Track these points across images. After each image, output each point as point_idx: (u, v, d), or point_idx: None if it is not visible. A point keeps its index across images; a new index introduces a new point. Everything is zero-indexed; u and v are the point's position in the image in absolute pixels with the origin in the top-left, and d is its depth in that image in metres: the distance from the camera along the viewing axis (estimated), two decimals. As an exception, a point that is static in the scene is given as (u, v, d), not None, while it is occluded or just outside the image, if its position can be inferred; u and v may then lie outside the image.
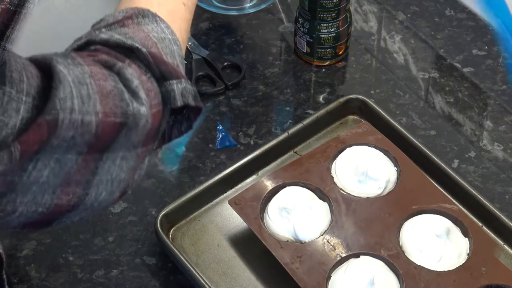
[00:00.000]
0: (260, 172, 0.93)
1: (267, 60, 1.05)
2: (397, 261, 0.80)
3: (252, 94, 1.01)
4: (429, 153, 0.91)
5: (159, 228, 0.85)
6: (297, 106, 1.00)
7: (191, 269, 0.82)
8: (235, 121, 0.98)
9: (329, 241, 0.82)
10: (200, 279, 0.82)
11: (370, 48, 1.07)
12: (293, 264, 0.80)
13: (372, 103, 0.95)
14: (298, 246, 0.82)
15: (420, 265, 0.80)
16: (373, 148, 0.89)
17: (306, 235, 0.82)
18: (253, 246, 0.84)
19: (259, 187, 0.86)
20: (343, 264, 0.80)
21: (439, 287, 0.79)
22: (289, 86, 1.02)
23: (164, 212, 0.86)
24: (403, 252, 0.81)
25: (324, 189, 0.86)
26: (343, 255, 0.81)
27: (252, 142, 0.96)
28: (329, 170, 0.88)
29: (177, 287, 0.85)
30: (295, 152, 0.94)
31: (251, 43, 1.07)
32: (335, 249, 0.81)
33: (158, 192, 0.92)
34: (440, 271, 0.80)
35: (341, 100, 0.96)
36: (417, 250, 0.81)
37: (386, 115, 0.94)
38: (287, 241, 0.82)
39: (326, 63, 1.04)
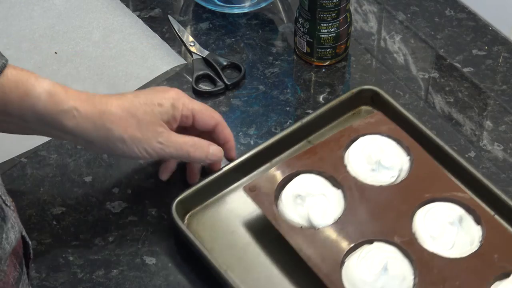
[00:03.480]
0: (273, 161, 0.94)
1: (267, 60, 1.05)
2: (410, 248, 0.81)
3: (252, 94, 1.01)
4: (441, 143, 0.92)
5: (175, 213, 0.86)
6: (297, 106, 1.00)
7: (206, 254, 0.83)
8: (235, 121, 0.98)
9: (343, 228, 0.83)
10: (215, 264, 0.82)
11: (370, 48, 1.07)
12: (308, 249, 0.81)
13: (384, 94, 0.96)
14: (312, 232, 0.83)
15: (433, 252, 0.81)
16: (386, 138, 0.90)
17: (320, 222, 0.83)
18: (268, 233, 0.85)
19: (273, 174, 0.87)
20: (356, 250, 0.82)
21: (451, 273, 0.80)
22: (289, 86, 1.02)
23: (179, 198, 0.87)
24: (416, 239, 0.82)
25: (338, 177, 0.87)
26: (357, 241, 0.82)
27: (252, 142, 0.96)
28: (342, 158, 0.89)
29: (177, 287, 0.85)
30: (309, 142, 0.95)
31: (251, 43, 1.07)
32: (349, 235, 0.82)
33: (158, 192, 0.92)
34: (452, 258, 0.81)
35: (354, 90, 0.97)
36: (429, 237, 0.82)
37: (398, 106, 0.95)
38: (301, 227, 0.83)
39: (326, 63, 1.04)
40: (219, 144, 0.89)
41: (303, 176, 0.87)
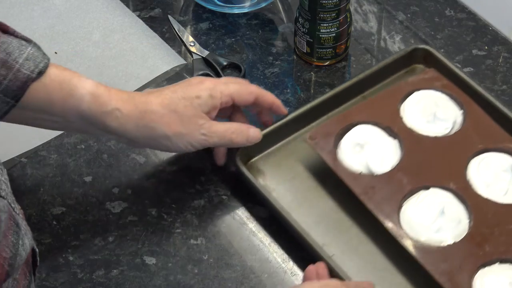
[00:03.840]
0: (329, 114, 0.97)
1: (267, 60, 1.05)
2: (465, 193, 0.85)
3: (252, 94, 1.01)
4: (493, 100, 0.94)
5: (238, 159, 0.90)
6: (297, 106, 1.00)
7: (268, 197, 0.87)
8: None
9: (400, 174, 0.87)
10: (277, 206, 0.87)
11: (370, 48, 1.07)
12: (367, 194, 0.85)
13: (437, 53, 0.99)
14: (371, 178, 0.87)
15: (487, 198, 0.85)
16: (439, 92, 0.94)
17: (378, 168, 0.87)
18: (328, 179, 0.90)
19: (332, 124, 0.92)
20: (413, 195, 0.86)
21: (505, 218, 0.84)
22: (289, 86, 1.02)
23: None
24: (470, 185, 0.86)
25: (394, 128, 0.91)
26: (414, 186, 0.86)
27: (252, 142, 0.96)
28: (398, 111, 0.92)
29: (177, 287, 0.85)
30: (363, 97, 0.98)
31: (251, 43, 1.07)
32: (406, 181, 0.86)
33: (158, 192, 0.92)
34: (506, 203, 0.85)
35: (408, 49, 1.01)
36: (484, 184, 0.86)
37: (450, 65, 0.98)
38: (360, 173, 0.87)
39: (326, 63, 1.04)
40: (265, 109, 0.91)
41: (361, 127, 0.91)
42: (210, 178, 0.93)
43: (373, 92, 0.99)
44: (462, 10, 1.09)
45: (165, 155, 0.95)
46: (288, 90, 1.02)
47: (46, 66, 0.79)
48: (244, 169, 0.90)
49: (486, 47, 1.05)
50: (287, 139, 0.95)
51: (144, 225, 0.89)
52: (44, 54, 0.79)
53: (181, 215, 0.90)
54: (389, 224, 0.83)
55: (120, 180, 0.93)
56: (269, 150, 0.94)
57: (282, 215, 0.86)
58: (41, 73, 0.78)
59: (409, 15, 1.09)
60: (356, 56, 1.05)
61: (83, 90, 0.80)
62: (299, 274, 0.85)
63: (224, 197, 0.92)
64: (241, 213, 0.90)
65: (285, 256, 0.87)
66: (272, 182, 0.92)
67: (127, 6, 1.11)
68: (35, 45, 0.80)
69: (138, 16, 1.10)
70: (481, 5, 1.09)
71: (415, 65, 1.01)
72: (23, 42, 0.79)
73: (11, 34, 0.78)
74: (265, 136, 0.91)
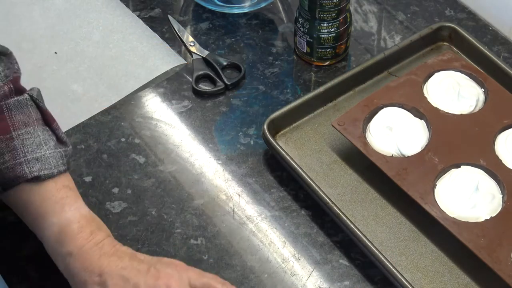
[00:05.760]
0: (356, 89, 1.00)
1: (267, 60, 1.05)
2: (496, 169, 0.87)
3: (252, 94, 1.01)
4: None
5: (266, 130, 0.92)
6: (297, 106, 1.00)
7: (296, 166, 0.89)
8: (235, 121, 0.99)
9: (430, 154, 0.88)
10: (303, 173, 0.89)
11: (370, 48, 1.07)
12: (400, 175, 0.86)
13: (463, 31, 1.02)
14: (402, 160, 0.88)
15: None
16: (459, 72, 0.96)
17: (408, 150, 0.89)
18: (354, 161, 0.93)
19: (358, 109, 0.92)
20: (446, 174, 0.87)
21: None
22: (289, 86, 1.02)
23: (271, 118, 0.94)
24: (500, 161, 0.87)
25: (420, 108, 0.92)
26: (445, 165, 0.87)
27: (252, 142, 0.96)
28: (421, 91, 0.94)
29: (177, 287, 0.85)
30: (389, 72, 1.01)
31: (251, 43, 1.07)
32: (437, 161, 0.87)
33: (158, 192, 0.92)
34: None
35: (433, 26, 1.03)
36: None
37: (476, 43, 1.01)
38: (392, 155, 0.89)
39: (326, 63, 1.04)
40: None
41: (387, 109, 0.92)
42: (210, 178, 0.93)
43: (398, 68, 1.02)
44: (462, 10, 1.09)
45: (165, 155, 0.95)
46: (288, 90, 1.02)
47: (49, 176, 0.76)
48: (272, 140, 0.92)
49: (486, 47, 1.05)
50: (314, 113, 0.98)
51: (144, 225, 0.89)
52: (63, 164, 0.76)
53: (181, 215, 0.90)
54: (424, 204, 0.84)
55: (120, 180, 0.93)
56: (297, 123, 0.97)
57: (309, 183, 0.88)
58: (36, 178, 0.76)
59: (409, 15, 1.09)
60: (356, 56, 1.05)
61: (56, 220, 0.76)
62: (299, 274, 0.86)
63: (224, 197, 0.92)
64: (241, 213, 0.90)
65: (285, 256, 0.87)
66: (300, 153, 0.94)
67: (127, 6, 1.11)
68: (65, 151, 0.77)
69: (138, 16, 1.10)
70: (481, 5, 1.09)
71: (440, 43, 1.04)
72: (51, 142, 0.76)
73: (51, 129, 0.76)
74: (293, 109, 0.95)
